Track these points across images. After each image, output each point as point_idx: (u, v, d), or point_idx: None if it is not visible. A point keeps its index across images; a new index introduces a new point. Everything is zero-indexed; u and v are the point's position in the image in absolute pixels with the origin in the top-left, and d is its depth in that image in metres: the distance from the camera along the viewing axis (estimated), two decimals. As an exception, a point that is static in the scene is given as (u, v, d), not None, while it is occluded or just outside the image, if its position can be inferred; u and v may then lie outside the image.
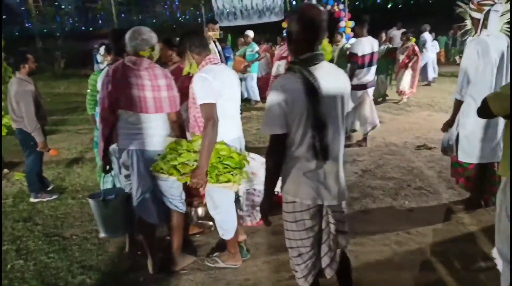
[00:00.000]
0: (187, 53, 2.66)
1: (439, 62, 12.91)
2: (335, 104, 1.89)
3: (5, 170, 5.59)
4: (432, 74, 12.63)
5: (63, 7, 22.13)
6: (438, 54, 13.04)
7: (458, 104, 3.40)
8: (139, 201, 2.75)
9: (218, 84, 2.52)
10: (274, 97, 1.84)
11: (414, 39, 9.93)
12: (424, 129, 6.69)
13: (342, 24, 13.66)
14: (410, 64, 9.22)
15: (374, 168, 4.92)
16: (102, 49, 3.82)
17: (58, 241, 3.54)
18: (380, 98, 9.53)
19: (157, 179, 2.74)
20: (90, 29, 21.44)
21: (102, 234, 3.03)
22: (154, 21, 21.37)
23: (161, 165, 2.59)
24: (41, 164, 4.58)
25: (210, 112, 2.48)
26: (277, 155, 1.92)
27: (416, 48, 9.27)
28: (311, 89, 1.79)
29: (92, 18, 21.31)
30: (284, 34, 10.21)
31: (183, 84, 2.95)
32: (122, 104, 2.60)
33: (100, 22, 21.25)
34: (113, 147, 2.88)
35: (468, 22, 10.37)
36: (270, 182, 1.97)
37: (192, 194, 3.23)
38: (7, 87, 4.34)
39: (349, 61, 5.84)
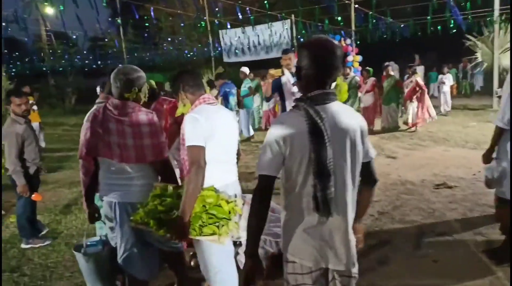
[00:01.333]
0: (180, 93, 2.42)
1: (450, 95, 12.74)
2: (344, 150, 1.62)
3: (2, 212, 5.32)
4: (445, 107, 12.42)
5: (72, 45, 22.66)
6: (451, 87, 12.90)
7: (499, 132, 3.15)
8: (125, 257, 2.43)
9: (209, 126, 2.24)
10: (271, 134, 1.63)
11: (419, 74, 10.06)
12: (441, 165, 6.34)
13: (350, 58, 13.72)
14: (414, 97, 9.41)
15: (392, 209, 4.55)
16: (98, 89, 3.62)
17: (44, 296, 3.20)
18: (392, 125, 9.76)
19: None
20: (100, 66, 21.84)
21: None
22: (162, 58, 21.74)
23: (141, 214, 2.28)
24: (34, 208, 4.31)
25: (196, 155, 2.18)
26: (262, 200, 1.62)
27: (421, 82, 9.36)
28: (315, 130, 1.55)
29: (102, 55, 21.72)
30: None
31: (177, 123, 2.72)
32: (101, 152, 2.35)
33: (109, 59, 21.64)
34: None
35: (478, 55, 10.29)
36: (251, 233, 1.63)
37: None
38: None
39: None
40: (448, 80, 12.66)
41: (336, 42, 1.70)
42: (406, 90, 9.63)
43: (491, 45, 10.81)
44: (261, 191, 1.63)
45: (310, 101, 1.61)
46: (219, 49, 17.29)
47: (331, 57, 1.61)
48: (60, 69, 21.42)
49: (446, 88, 12.53)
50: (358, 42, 15.55)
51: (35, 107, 8.97)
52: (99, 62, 21.77)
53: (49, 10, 18.45)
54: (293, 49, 14.24)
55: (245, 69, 10.59)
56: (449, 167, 6.15)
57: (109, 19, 24.91)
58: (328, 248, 1.63)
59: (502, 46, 10.62)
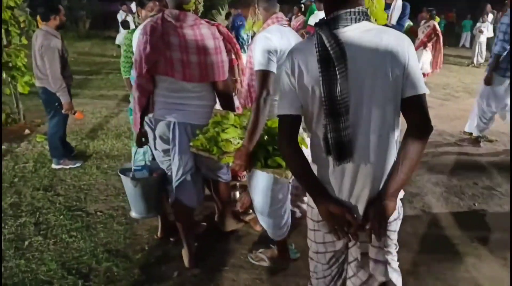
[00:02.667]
0: (253, 6, 2.14)
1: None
2: (370, 82, 1.29)
3: (27, 131, 5.25)
4: (478, 58, 11.80)
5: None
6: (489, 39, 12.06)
7: None
8: (180, 182, 2.31)
9: (283, 49, 2.00)
10: (283, 66, 1.41)
11: (438, 19, 9.20)
12: (478, 118, 6.06)
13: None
14: (429, 44, 8.51)
15: (430, 159, 4.38)
16: (133, 6, 3.32)
17: (81, 217, 3.17)
18: None
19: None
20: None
21: (133, 214, 2.63)
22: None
23: (202, 140, 2.12)
24: (65, 127, 4.19)
25: (266, 81, 1.95)
26: (287, 145, 1.41)
27: (438, 27, 8.59)
28: (326, 59, 1.27)
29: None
30: (302, 4, 9.38)
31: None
32: (162, 69, 2.13)
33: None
34: (149, 117, 2.44)
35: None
36: (300, 179, 1.47)
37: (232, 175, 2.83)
38: (32, 41, 3.89)
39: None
40: (486, 29, 11.89)
41: None
42: (421, 36, 8.66)
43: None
44: (281, 135, 1.42)
45: (327, 24, 1.33)
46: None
47: None
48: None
49: (483, 38, 11.80)
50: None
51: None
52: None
53: None
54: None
55: None
56: (487, 121, 5.88)
57: None
58: (343, 200, 1.40)
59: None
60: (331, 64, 1.26)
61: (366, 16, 1.34)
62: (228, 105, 2.34)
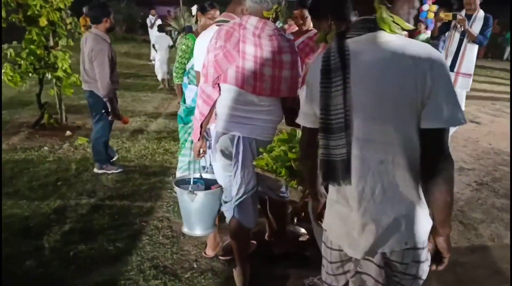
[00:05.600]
0: (327, 20, 1.96)
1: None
2: (370, 101, 1.13)
3: (68, 132, 5.25)
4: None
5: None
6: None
7: None
8: (240, 202, 2.14)
9: None
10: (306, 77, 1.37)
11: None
12: (537, 138, 5.65)
13: (425, 7, 12.39)
14: None
15: (491, 181, 4.06)
16: (194, 9, 3.21)
17: (126, 226, 3.06)
18: None
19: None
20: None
21: (185, 230, 2.48)
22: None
23: (267, 160, 1.95)
24: (110, 132, 4.13)
25: None
26: (304, 153, 1.46)
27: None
28: (326, 69, 1.18)
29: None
30: None
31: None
32: (232, 78, 1.98)
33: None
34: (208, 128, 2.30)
35: None
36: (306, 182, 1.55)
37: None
38: (81, 44, 3.85)
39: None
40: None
41: None
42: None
43: None
44: (301, 145, 1.48)
45: (342, 33, 1.20)
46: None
47: None
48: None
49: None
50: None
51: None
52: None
53: None
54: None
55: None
56: (547, 141, 5.46)
57: None
58: (344, 225, 1.28)
59: None
60: (330, 76, 1.16)
61: (385, 25, 1.14)
62: (294, 121, 2.17)
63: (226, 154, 2.14)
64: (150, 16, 12.96)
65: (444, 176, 1.12)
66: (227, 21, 2.35)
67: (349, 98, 1.15)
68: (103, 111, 3.83)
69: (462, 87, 4.55)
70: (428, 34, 8.93)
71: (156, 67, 8.90)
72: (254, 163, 2.00)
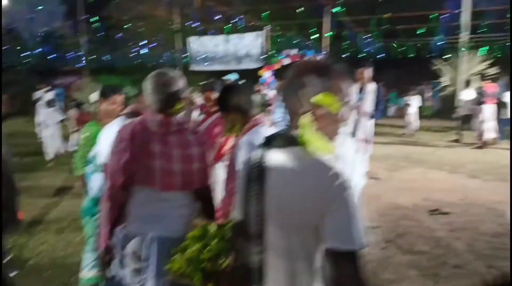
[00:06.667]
0: (234, 113, 2.05)
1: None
2: (280, 215, 1.21)
3: None
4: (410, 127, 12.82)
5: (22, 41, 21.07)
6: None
7: None
8: None
9: None
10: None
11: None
12: (426, 189, 6.30)
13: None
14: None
15: (396, 237, 4.36)
16: (95, 95, 3.12)
17: None
18: None
19: None
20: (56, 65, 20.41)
21: None
22: (124, 60, 20.74)
23: (180, 262, 1.86)
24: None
25: None
26: (234, 246, 1.47)
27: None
28: (248, 176, 1.30)
29: (60, 55, 20.28)
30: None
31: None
32: (140, 179, 1.92)
33: (66, 58, 20.29)
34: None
35: (446, 78, 10.61)
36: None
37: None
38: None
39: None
40: (414, 101, 13.06)
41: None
42: None
43: (455, 71, 11.32)
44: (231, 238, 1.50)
45: (267, 141, 1.30)
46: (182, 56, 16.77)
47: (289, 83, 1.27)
48: (10, 65, 19.72)
49: (412, 110, 12.90)
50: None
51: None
52: (55, 60, 20.32)
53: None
54: (266, 61, 14.17)
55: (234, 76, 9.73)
56: (435, 192, 6.13)
57: (71, 16, 23.38)
58: None
59: (467, 71, 11.09)
60: (250, 185, 1.26)
61: (298, 141, 1.21)
62: (209, 212, 2.13)
63: (137, 256, 1.99)
64: (39, 91, 11.84)
65: None
66: (133, 113, 2.32)
67: (264, 209, 1.21)
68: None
69: (364, 152, 5.00)
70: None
71: (46, 144, 8.46)
72: (167, 267, 1.89)
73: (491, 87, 9.89)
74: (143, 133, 1.92)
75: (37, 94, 11.81)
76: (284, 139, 1.25)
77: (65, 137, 9.79)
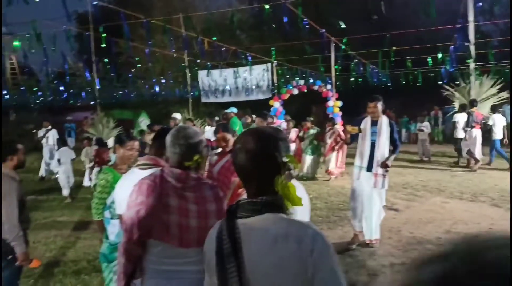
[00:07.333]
0: None
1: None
2: (264, 281, 1.17)
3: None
4: (422, 155, 12.68)
5: (37, 80, 21.68)
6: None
7: None
8: None
9: None
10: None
11: (338, 124, 10.87)
12: (448, 220, 6.14)
13: (330, 103, 13.79)
14: (337, 147, 9.91)
15: (422, 275, 4.21)
16: (111, 141, 3.15)
17: None
18: (311, 175, 10.26)
19: None
20: (71, 102, 20.86)
21: None
22: (136, 96, 21.17)
23: None
24: (19, 279, 3.60)
25: None
26: None
27: (342, 133, 9.66)
28: (220, 252, 1.22)
29: (72, 91, 20.79)
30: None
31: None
32: (156, 234, 1.90)
33: (79, 95, 20.77)
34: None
35: (456, 104, 10.54)
36: None
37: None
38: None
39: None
40: (426, 128, 12.98)
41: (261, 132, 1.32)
42: (329, 141, 10.06)
43: (468, 95, 11.28)
44: None
45: (231, 213, 1.27)
46: (193, 90, 17.05)
47: (239, 153, 1.27)
48: (23, 104, 20.25)
49: (424, 136, 12.80)
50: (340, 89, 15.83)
51: None
52: (68, 97, 20.81)
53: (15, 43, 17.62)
54: (274, 92, 14.33)
55: (177, 115, 10.87)
56: (457, 222, 5.97)
57: (81, 54, 24.13)
58: None
59: (478, 96, 11.09)
60: (224, 261, 1.19)
61: (271, 208, 1.22)
62: None
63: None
64: (43, 129, 11.99)
65: None
66: (149, 165, 2.32)
67: (245, 283, 1.16)
68: (9, 256, 3.36)
69: (380, 186, 4.92)
70: (315, 129, 10.13)
71: (62, 181, 8.56)
72: None
73: (479, 114, 10.52)
74: (161, 187, 1.91)
75: (40, 133, 12.01)
76: (248, 208, 1.23)
77: (80, 173, 9.89)
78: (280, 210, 1.23)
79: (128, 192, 2.15)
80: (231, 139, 3.50)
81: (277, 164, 1.25)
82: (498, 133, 10.66)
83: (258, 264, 1.17)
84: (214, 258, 1.22)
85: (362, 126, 5.06)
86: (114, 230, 3.02)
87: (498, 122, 10.69)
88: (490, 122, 10.62)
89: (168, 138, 2.01)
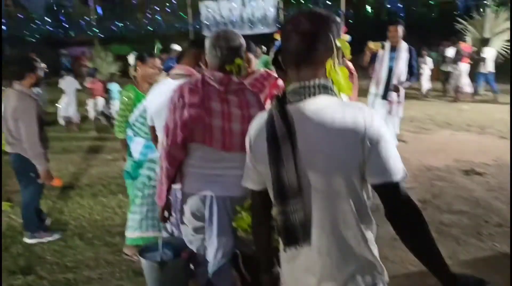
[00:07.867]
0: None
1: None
2: (319, 165, 1.16)
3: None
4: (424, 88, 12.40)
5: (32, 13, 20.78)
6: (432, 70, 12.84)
7: None
8: (218, 267, 1.97)
9: None
10: (246, 139, 1.35)
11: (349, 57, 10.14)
12: (457, 150, 6.19)
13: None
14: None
15: (432, 198, 4.32)
16: (131, 57, 3.06)
17: (74, 305, 2.68)
18: None
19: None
20: (68, 35, 20.12)
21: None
22: (134, 29, 20.39)
23: (247, 220, 1.85)
24: (41, 196, 3.68)
25: None
26: (254, 218, 1.47)
27: (351, 65, 9.28)
28: (272, 137, 1.18)
29: (69, 24, 19.97)
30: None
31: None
32: (199, 137, 1.87)
33: (77, 28, 20.00)
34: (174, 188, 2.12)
35: (468, 38, 10.12)
36: (258, 251, 1.50)
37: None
38: (2, 102, 3.42)
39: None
40: (426, 64, 12.57)
41: (312, 15, 1.21)
42: None
43: (481, 29, 10.89)
44: (253, 210, 1.47)
45: (281, 99, 1.23)
46: (195, 23, 16.41)
47: (292, 36, 1.18)
48: (20, 37, 19.56)
49: (425, 71, 12.45)
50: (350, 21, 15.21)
51: None
52: (65, 31, 20.06)
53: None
54: (279, 25, 13.79)
55: (176, 47, 8.87)
56: (466, 153, 6.01)
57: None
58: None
59: (492, 29, 10.71)
60: (278, 144, 1.17)
61: (325, 90, 1.19)
62: None
63: (197, 216, 1.98)
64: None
65: (411, 225, 1.14)
66: (183, 74, 2.24)
67: (299, 164, 1.16)
68: (32, 174, 3.41)
69: (395, 114, 4.88)
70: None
71: (62, 111, 8.59)
72: (234, 225, 1.87)
73: (467, 48, 10.62)
74: (203, 91, 1.86)
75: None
76: (300, 92, 1.19)
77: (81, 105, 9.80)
78: (333, 94, 1.20)
79: (161, 100, 2.11)
80: (254, 60, 3.39)
81: (331, 47, 1.19)
82: (491, 66, 10.66)
83: (314, 145, 1.15)
84: (264, 145, 1.20)
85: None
86: (137, 147, 3.02)
87: (491, 55, 10.67)
88: (484, 55, 10.65)
89: (208, 42, 1.93)
